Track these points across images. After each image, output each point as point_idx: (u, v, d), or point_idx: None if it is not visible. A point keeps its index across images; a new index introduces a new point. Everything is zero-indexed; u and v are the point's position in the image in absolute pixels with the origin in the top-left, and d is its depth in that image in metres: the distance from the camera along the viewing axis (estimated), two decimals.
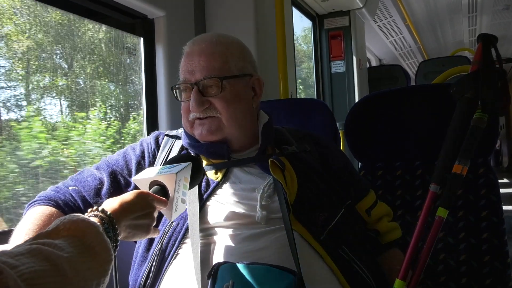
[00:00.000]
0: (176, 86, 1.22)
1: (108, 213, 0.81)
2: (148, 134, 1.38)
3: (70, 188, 1.14)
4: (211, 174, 1.18)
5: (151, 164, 1.24)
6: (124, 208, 0.85)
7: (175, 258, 1.09)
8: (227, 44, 1.21)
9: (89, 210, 0.82)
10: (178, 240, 1.10)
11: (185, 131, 1.25)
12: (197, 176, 1.04)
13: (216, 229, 1.11)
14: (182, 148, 1.26)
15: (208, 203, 1.14)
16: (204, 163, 1.20)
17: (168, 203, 0.94)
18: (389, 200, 1.52)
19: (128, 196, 0.88)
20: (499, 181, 1.44)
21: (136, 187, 1.00)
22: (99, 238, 0.71)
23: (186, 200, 1.00)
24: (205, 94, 1.16)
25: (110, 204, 0.85)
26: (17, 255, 0.59)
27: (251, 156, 1.22)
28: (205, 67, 1.15)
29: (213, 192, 1.15)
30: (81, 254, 0.66)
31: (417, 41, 6.66)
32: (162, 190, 0.94)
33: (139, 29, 1.92)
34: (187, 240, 1.10)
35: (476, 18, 6.09)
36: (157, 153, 1.26)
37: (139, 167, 1.22)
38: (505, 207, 1.43)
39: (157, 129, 1.86)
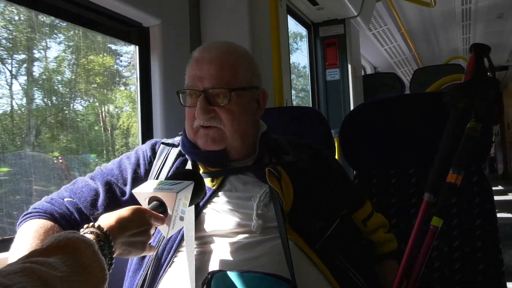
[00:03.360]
0: (182, 91, 1.22)
1: (104, 230, 0.80)
2: (143, 142, 1.38)
3: (65, 199, 1.12)
4: (207, 182, 1.18)
5: (147, 172, 1.24)
6: (121, 225, 0.83)
7: (170, 266, 1.09)
8: (238, 55, 1.21)
9: (85, 226, 0.81)
10: (173, 248, 1.10)
11: (185, 137, 1.25)
12: (197, 195, 1.02)
13: (211, 237, 1.10)
14: (179, 155, 1.26)
15: (204, 211, 1.14)
16: (201, 170, 1.21)
17: (166, 220, 0.93)
18: (384, 208, 1.52)
19: (125, 212, 0.87)
20: (494, 188, 1.45)
21: (132, 196, 0.99)
22: (94, 257, 0.70)
23: (184, 217, 1.00)
24: (212, 102, 1.16)
25: (107, 220, 0.83)
26: (9, 273, 0.57)
27: (248, 165, 1.22)
28: (215, 76, 1.15)
29: (209, 200, 1.15)
30: (75, 273, 0.65)
31: (412, 49, 6.70)
32: (161, 206, 0.93)
33: (134, 37, 1.92)
34: (182, 248, 1.09)
35: (470, 27, 6.15)
36: (153, 161, 1.26)
37: (135, 176, 1.21)
38: (500, 215, 1.43)
39: (152, 138, 1.85)
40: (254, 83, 1.23)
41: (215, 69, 1.15)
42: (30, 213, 1.07)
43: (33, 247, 0.95)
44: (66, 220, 1.08)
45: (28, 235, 0.99)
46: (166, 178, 1.05)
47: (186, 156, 1.24)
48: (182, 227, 1.06)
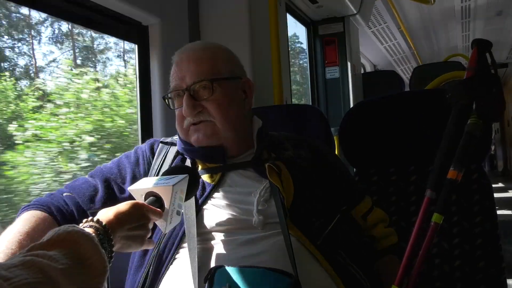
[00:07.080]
0: (168, 95, 1.23)
1: (103, 223, 0.81)
2: (143, 141, 1.39)
3: (64, 194, 1.15)
4: (206, 178, 1.18)
5: (146, 171, 1.24)
6: (119, 219, 0.84)
7: (171, 263, 1.09)
8: (215, 49, 1.24)
9: (84, 220, 0.82)
10: (175, 245, 1.10)
11: (180, 137, 1.25)
12: (193, 189, 1.04)
13: (212, 233, 1.11)
14: (177, 154, 1.26)
15: (204, 207, 1.14)
16: (200, 167, 1.21)
17: (163, 215, 0.94)
18: (383, 206, 1.52)
19: (123, 206, 0.88)
20: (494, 185, 1.45)
21: (130, 195, 1.00)
22: (94, 250, 0.70)
23: (182, 211, 1.00)
24: (197, 98, 1.17)
25: (105, 215, 0.84)
26: (10, 267, 0.58)
27: (247, 160, 1.22)
28: (195, 72, 1.17)
29: (209, 196, 1.16)
30: (75, 266, 0.65)
31: (411, 47, 6.69)
32: (158, 201, 0.94)
33: (133, 35, 1.92)
34: (184, 245, 1.10)
35: (469, 24, 6.14)
36: (152, 161, 1.27)
37: (134, 175, 1.22)
38: (500, 212, 1.43)
39: (152, 136, 1.86)
40: (236, 73, 1.25)
41: (194, 65, 1.18)
42: (29, 205, 1.10)
43: (20, 231, 0.97)
44: (62, 213, 1.10)
45: (20, 222, 1.01)
46: (161, 175, 1.06)
47: (184, 154, 1.25)
48: (182, 223, 1.07)
